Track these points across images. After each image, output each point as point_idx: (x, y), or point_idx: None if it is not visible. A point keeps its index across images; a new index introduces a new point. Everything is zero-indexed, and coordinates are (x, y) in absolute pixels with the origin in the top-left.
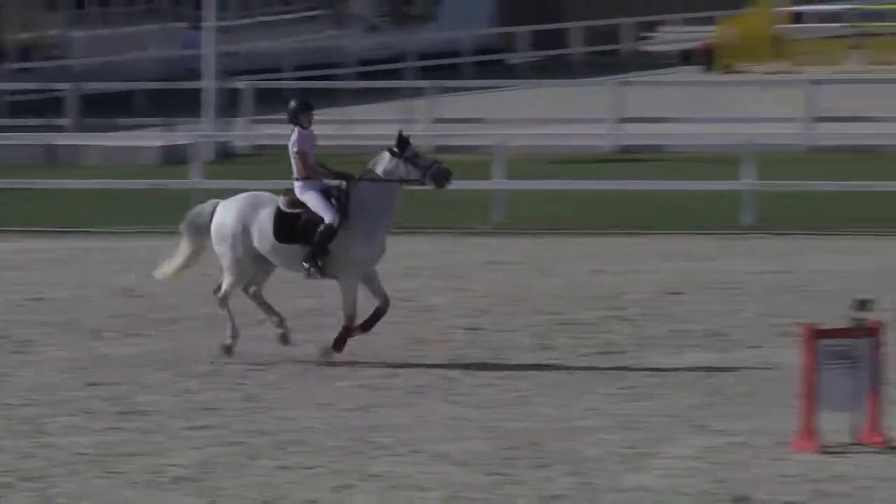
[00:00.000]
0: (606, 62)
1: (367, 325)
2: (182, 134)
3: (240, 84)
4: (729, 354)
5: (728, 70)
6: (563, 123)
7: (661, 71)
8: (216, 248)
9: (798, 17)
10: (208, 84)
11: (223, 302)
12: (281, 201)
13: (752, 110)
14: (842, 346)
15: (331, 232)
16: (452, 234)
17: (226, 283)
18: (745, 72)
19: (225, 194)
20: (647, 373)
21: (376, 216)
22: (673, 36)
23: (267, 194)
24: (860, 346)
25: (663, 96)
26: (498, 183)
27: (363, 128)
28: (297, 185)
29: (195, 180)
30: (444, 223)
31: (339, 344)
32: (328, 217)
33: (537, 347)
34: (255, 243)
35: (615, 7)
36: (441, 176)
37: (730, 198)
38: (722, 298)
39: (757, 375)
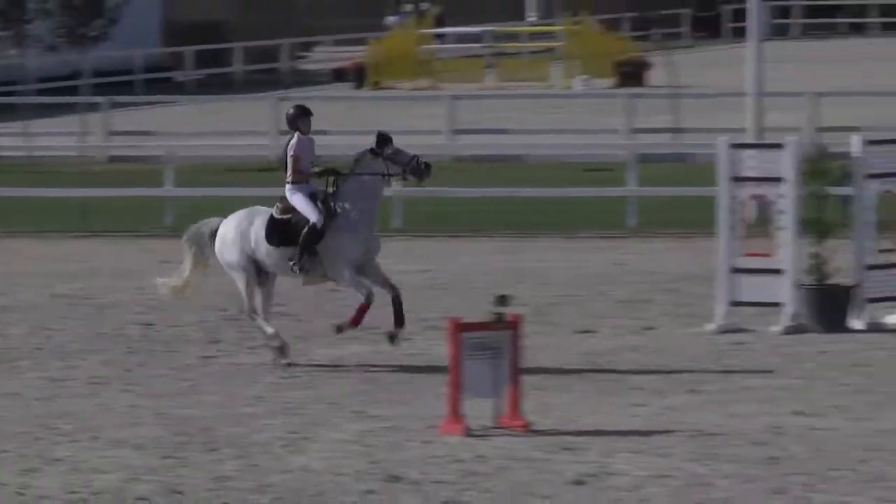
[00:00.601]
0: (266, 79)
1: (399, 320)
2: None
3: None
4: (383, 346)
5: (377, 87)
6: (227, 135)
7: (316, 87)
8: (221, 258)
9: (441, 38)
10: None
11: (250, 314)
12: (275, 209)
13: (399, 124)
14: (484, 338)
15: (315, 232)
16: (128, 237)
17: (242, 292)
18: (393, 88)
19: None
20: (309, 364)
21: (361, 210)
22: (326, 55)
23: (264, 208)
24: (500, 338)
25: (318, 110)
26: (168, 190)
27: (43, 140)
28: (287, 188)
29: None
30: (120, 227)
31: (355, 320)
32: (313, 218)
33: (207, 341)
34: (252, 246)
35: (274, 28)
36: (420, 170)
37: None
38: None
39: (409, 365)
